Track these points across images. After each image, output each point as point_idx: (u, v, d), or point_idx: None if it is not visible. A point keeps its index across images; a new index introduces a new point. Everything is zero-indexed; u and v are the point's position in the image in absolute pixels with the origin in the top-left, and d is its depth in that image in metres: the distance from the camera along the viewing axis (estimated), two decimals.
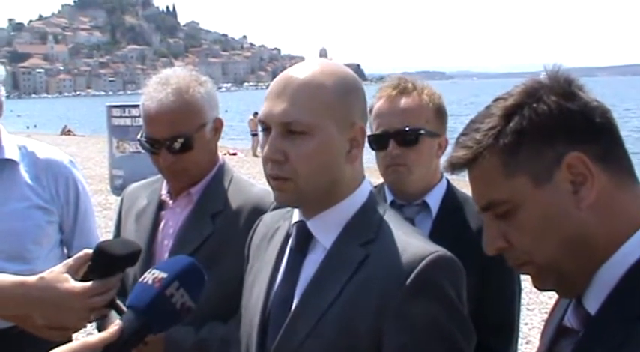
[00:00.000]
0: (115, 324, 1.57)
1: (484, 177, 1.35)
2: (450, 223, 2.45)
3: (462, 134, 1.38)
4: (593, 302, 1.29)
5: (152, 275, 1.61)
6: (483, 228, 1.39)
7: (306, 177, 1.71)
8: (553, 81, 1.33)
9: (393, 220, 1.80)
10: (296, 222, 1.85)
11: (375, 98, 2.53)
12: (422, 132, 2.43)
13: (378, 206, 1.83)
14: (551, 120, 1.29)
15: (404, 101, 2.46)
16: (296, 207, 1.85)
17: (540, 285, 1.37)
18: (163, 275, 1.60)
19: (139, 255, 1.83)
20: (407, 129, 2.43)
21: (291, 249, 1.85)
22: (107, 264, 1.77)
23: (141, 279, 1.62)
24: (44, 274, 1.82)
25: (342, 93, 1.74)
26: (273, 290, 1.84)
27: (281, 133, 1.71)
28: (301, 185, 1.72)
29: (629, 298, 1.24)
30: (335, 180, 1.76)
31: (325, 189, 1.75)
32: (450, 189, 2.56)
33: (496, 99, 1.36)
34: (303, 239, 1.82)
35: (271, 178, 1.75)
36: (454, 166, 1.37)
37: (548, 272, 1.33)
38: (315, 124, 1.70)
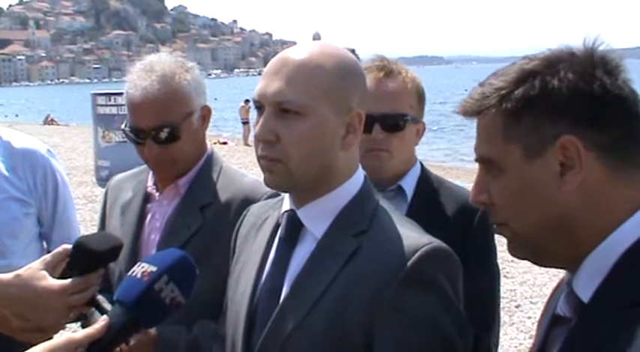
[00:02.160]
0: (102, 320, 1.57)
1: (485, 131, 1.38)
2: (425, 207, 2.48)
3: (481, 83, 1.40)
4: (585, 290, 1.31)
5: (141, 269, 1.61)
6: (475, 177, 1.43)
7: (298, 160, 1.71)
8: (582, 57, 1.32)
9: (387, 211, 1.80)
10: (286, 211, 1.84)
11: None
12: (407, 118, 2.46)
13: (372, 196, 1.83)
14: (559, 98, 1.29)
15: (390, 85, 2.47)
16: (286, 192, 1.85)
17: (512, 251, 1.42)
18: (152, 268, 1.60)
19: (120, 250, 1.82)
20: (393, 113, 2.45)
21: (280, 239, 1.85)
22: (87, 259, 1.76)
23: (130, 273, 1.63)
24: (20, 271, 1.80)
25: (340, 77, 1.74)
26: (260, 282, 1.84)
27: (274, 113, 1.71)
28: (292, 168, 1.72)
29: (622, 285, 1.25)
30: (328, 165, 1.76)
31: (317, 175, 1.75)
32: (425, 173, 2.60)
33: (524, 58, 1.37)
34: (293, 228, 1.82)
35: (262, 159, 1.75)
36: (464, 111, 1.41)
37: (522, 241, 1.38)
38: (310, 106, 1.70)
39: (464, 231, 2.43)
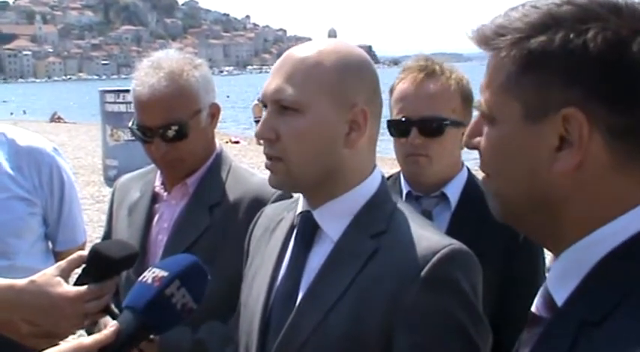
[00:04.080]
0: (111, 326, 1.58)
1: (490, 71, 1.23)
2: (469, 216, 2.44)
3: (505, 13, 1.21)
4: (558, 290, 1.19)
5: (152, 274, 1.62)
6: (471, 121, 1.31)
7: (297, 157, 1.75)
8: (626, 17, 1.12)
9: (405, 212, 1.82)
10: (301, 213, 1.87)
11: (397, 79, 2.51)
12: (447, 122, 2.41)
13: (390, 197, 1.85)
14: (577, 63, 1.11)
15: (431, 86, 2.43)
16: (291, 192, 1.89)
17: (492, 211, 1.32)
18: (164, 273, 1.61)
19: (136, 258, 1.85)
20: (432, 117, 2.41)
21: (295, 241, 1.87)
22: (103, 267, 1.78)
23: (140, 278, 1.64)
24: (35, 277, 1.81)
25: (341, 72, 1.76)
26: (275, 285, 1.86)
27: (275, 111, 1.76)
28: (292, 166, 1.75)
29: (596, 295, 1.11)
30: (331, 164, 1.78)
31: (320, 174, 1.77)
32: (471, 180, 2.55)
33: None
34: (309, 230, 1.84)
35: (266, 158, 1.80)
36: (477, 40, 1.24)
37: (501, 201, 1.27)
38: (307, 101, 1.73)
39: (510, 245, 2.38)
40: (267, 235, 2.00)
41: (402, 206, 1.85)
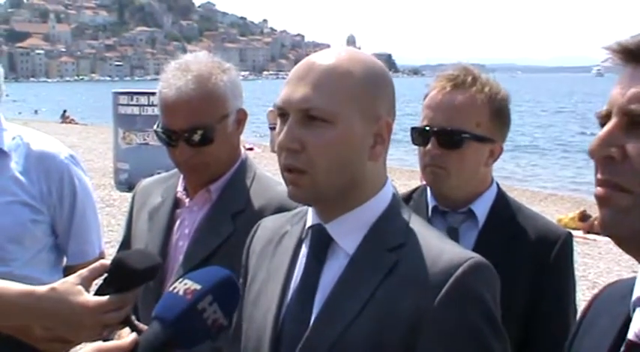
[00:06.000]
0: (133, 335, 1.58)
1: None
2: (498, 235, 2.42)
3: None
4: None
5: (183, 286, 1.60)
6: (603, 128, 1.27)
7: (324, 170, 1.72)
8: None
9: (419, 225, 1.82)
10: (312, 226, 1.85)
11: (430, 87, 2.49)
12: (466, 135, 2.37)
13: (403, 209, 1.85)
14: None
15: (457, 97, 2.39)
16: (310, 205, 1.84)
17: (617, 225, 1.25)
18: (196, 286, 1.59)
19: (159, 269, 1.83)
20: (451, 129, 2.38)
21: (308, 255, 1.85)
22: (125, 277, 1.76)
23: (170, 289, 1.62)
24: (56, 285, 1.81)
25: (369, 84, 1.76)
26: (286, 300, 1.84)
27: (300, 120, 1.73)
28: (318, 179, 1.73)
29: None
30: (355, 177, 1.77)
31: (344, 187, 1.76)
32: (501, 197, 2.52)
33: None
34: (322, 243, 1.82)
35: (285, 170, 1.76)
36: (628, 48, 1.26)
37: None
38: (337, 112, 1.71)
39: (539, 265, 2.35)
40: (270, 249, 1.98)
41: (416, 218, 1.85)
